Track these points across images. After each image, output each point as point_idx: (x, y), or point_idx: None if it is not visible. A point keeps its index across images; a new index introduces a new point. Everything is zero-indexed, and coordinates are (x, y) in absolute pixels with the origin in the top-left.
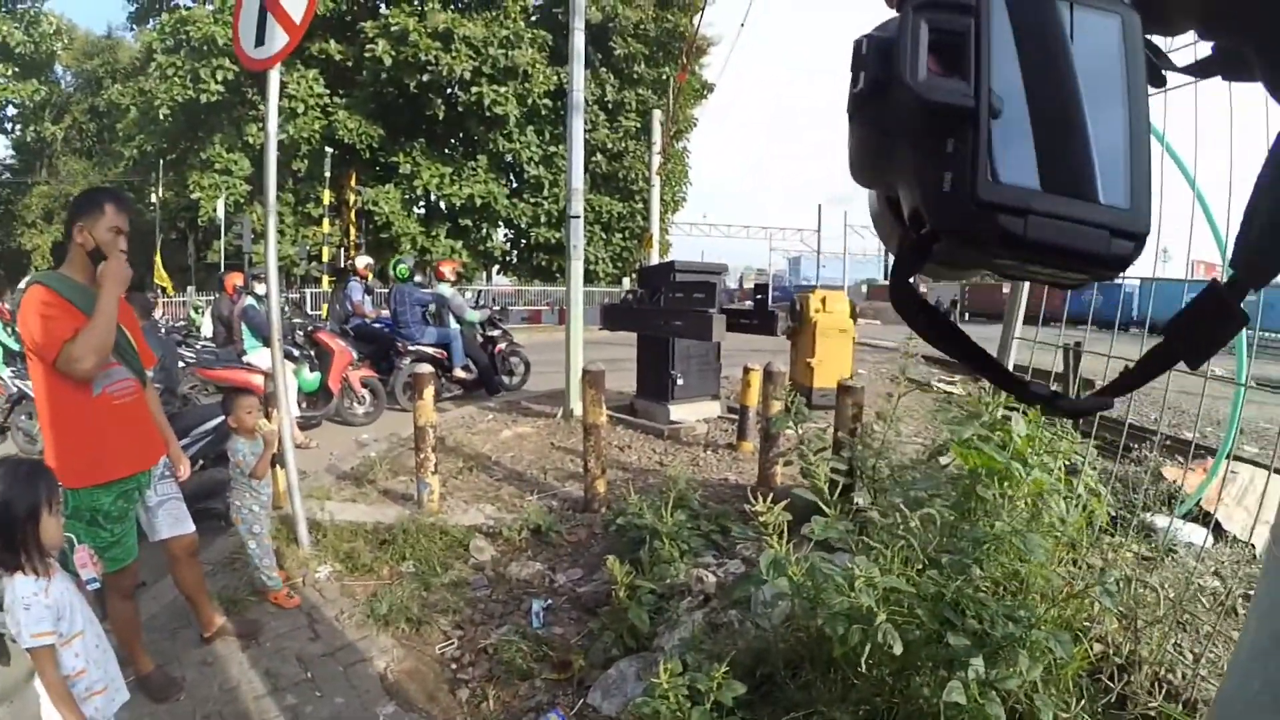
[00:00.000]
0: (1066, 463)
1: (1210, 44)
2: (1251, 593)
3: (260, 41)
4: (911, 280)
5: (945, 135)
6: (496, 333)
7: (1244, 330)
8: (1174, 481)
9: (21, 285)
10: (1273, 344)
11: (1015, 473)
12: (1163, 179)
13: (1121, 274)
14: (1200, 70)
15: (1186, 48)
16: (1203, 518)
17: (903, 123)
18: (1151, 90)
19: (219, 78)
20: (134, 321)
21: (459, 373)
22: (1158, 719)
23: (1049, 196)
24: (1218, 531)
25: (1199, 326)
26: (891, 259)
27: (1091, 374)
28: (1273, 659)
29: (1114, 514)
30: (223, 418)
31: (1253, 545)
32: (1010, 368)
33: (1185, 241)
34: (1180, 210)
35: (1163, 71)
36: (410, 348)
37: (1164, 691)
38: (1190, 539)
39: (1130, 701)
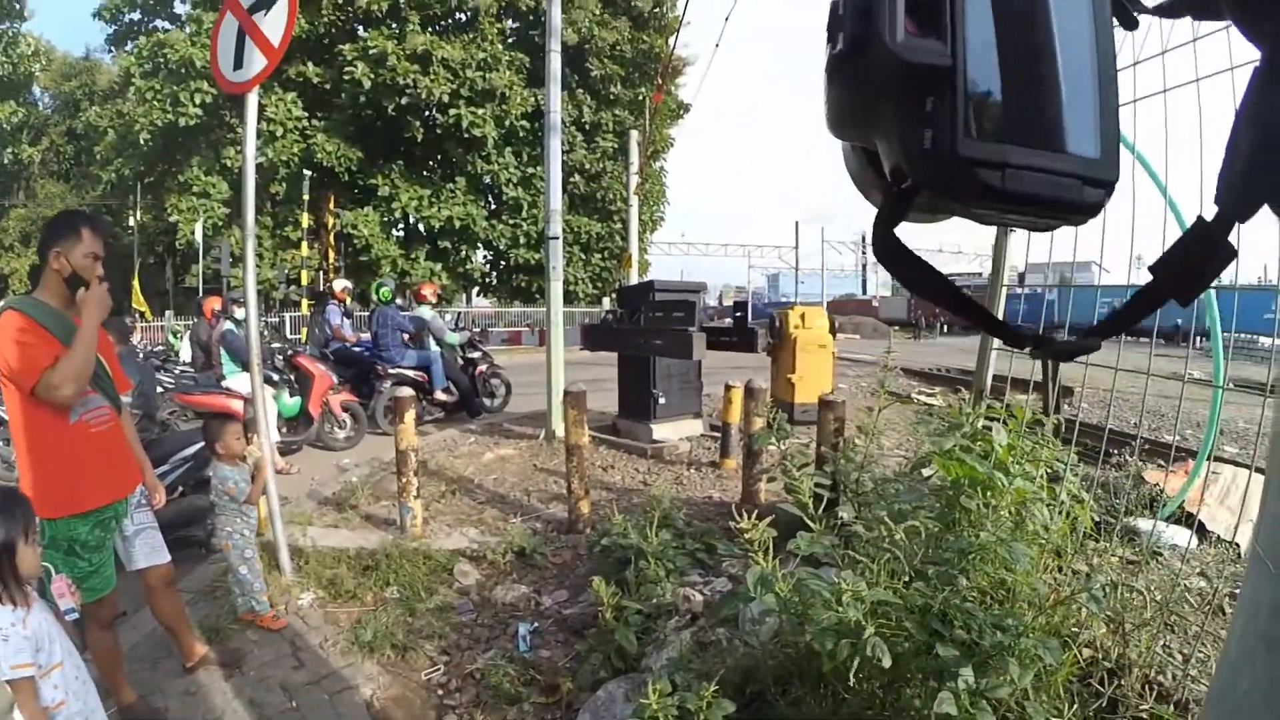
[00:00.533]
0: (1048, 470)
1: None
2: (1238, 591)
3: (239, 65)
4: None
5: (925, 94)
6: (477, 354)
7: (1221, 333)
8: (1156, 485)
9: None
10: (1249, 346)
11: (998, 482)
12: (1134, 187)
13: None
14: (1169, 10)
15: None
16: (1186, 519)
17: (882, 83)
18: (1127, 57)
19: (197, 101)
20: (109, 347)
21: (440, 395)
22: None
23: (1023, 150)
24: (1202, 532)
25: (1187, 262)
26: (870, 238)
27: (1071, 380)
28: (1259, 657)
29: (1097, 519)
30: (202, 444)
31: (1237, 544)
32: (989, 378)
33: (1159, 248)
34: (1153, 218)
35: (1134, 15)
36: (391, 371)
37: (1155, 693)
38: (1174, 541)
39: (1122, 705)
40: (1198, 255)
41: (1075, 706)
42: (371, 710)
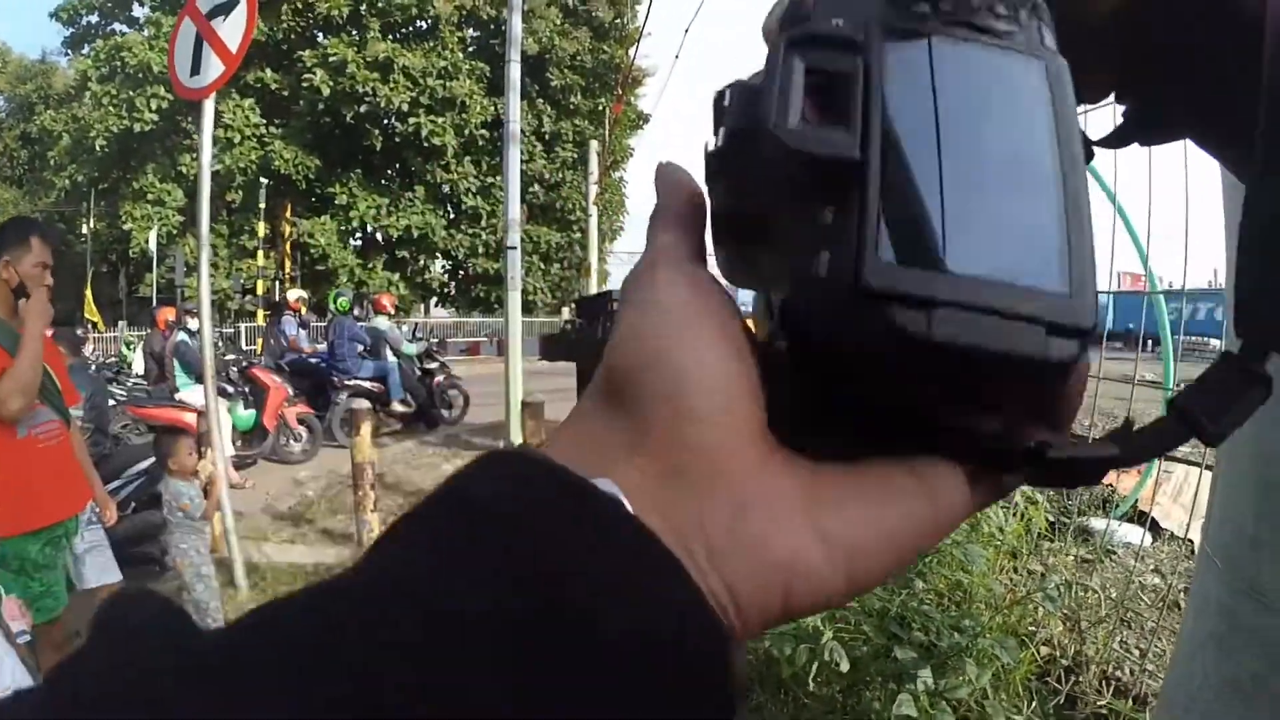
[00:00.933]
0: None
1: (1126, 107)
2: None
3: (196, 70)
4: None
5: (822, 201)
6: (434, 365)
7: (1171, 336)
8: (1109, 485)
9: None
10: (1201, 348)
11: None
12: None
13: None
14: (1117, 139)
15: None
16: (1139, 518)
17: (767, 185)
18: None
19: (154, 106)
20: (58, 359)
21: (397, 406)
22: (1109, 716)
23: (960, 281)
24: (1155, 530)
25: (1224, 396)
26: None
27: None
28: (1210, 653)
29: (1052, 520)
30: (149, 462)
31: (1190, 541)
32: None
33: (1107, 253)
34: (1100, 223)
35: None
36: (348, 382)
37: (1112, 689)
38: (1128, 539)
39: (1080, 701)
40: (1235, 389)
41: (1034, 704)
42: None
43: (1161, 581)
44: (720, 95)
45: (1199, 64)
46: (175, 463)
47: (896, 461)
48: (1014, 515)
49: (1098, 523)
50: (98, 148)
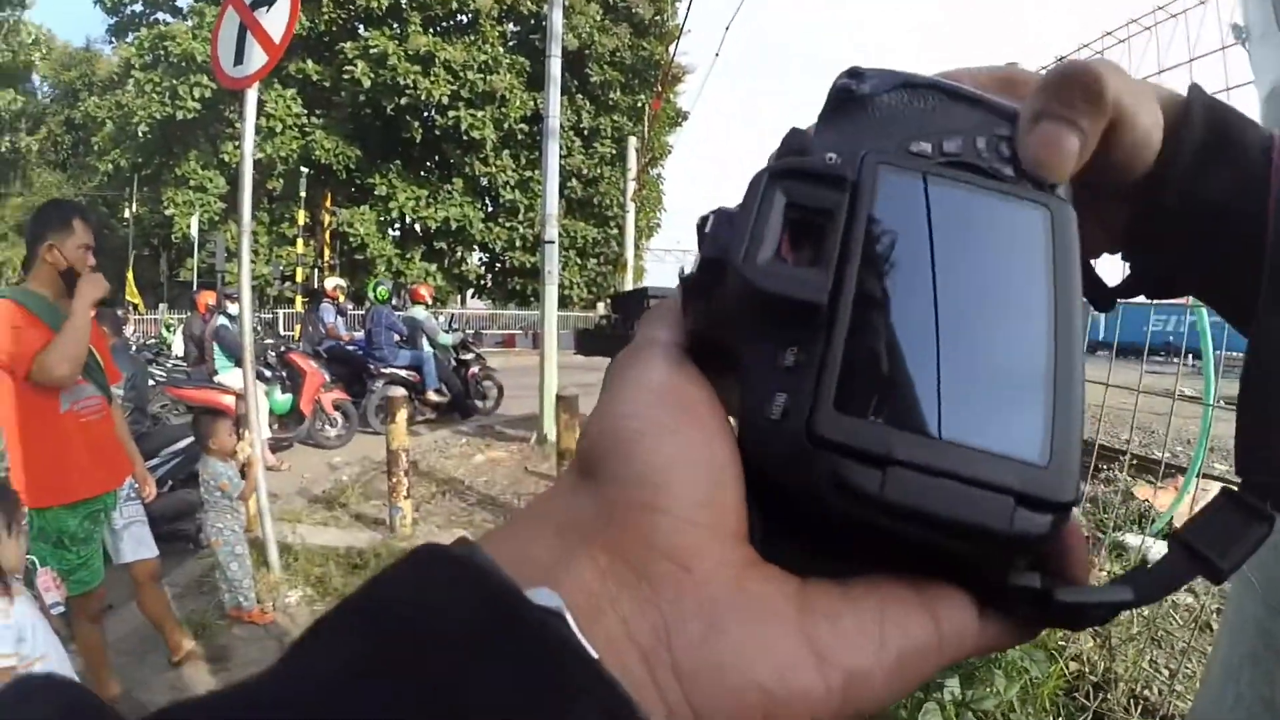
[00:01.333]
0: None
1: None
2: (1224, 608)
3: (239, 60)
4: None
5: (787, 341)
6: (470, 356)
7: (1212, 350)
8: (1145, 501)
9: None
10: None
11: None
12: None
13: None
14: (1125, 291)
15: None
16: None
17: (735, 319)
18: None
19: (196, 95)
20: (101, 338)
21: (432, 395)
22: None
23: (921, 440)
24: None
25: (1226, 531)
26: None
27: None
28: (1244, 675)
29: (1086, 534)
30: (192, 438)
31: None
32: None
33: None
34: None
35: (1108, 298)
36: (384, 370)
37: (1140, 708)
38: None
39: (1107, 718)
40: (1238, 527)
41: (1060, 719)
42: None
43: (1194, 601)
44: (702, 221)
45: (1211, 239)
46: (215, 443)
47: (896, 577)
48: None
49: (1133, 539)
50: (141, 134)
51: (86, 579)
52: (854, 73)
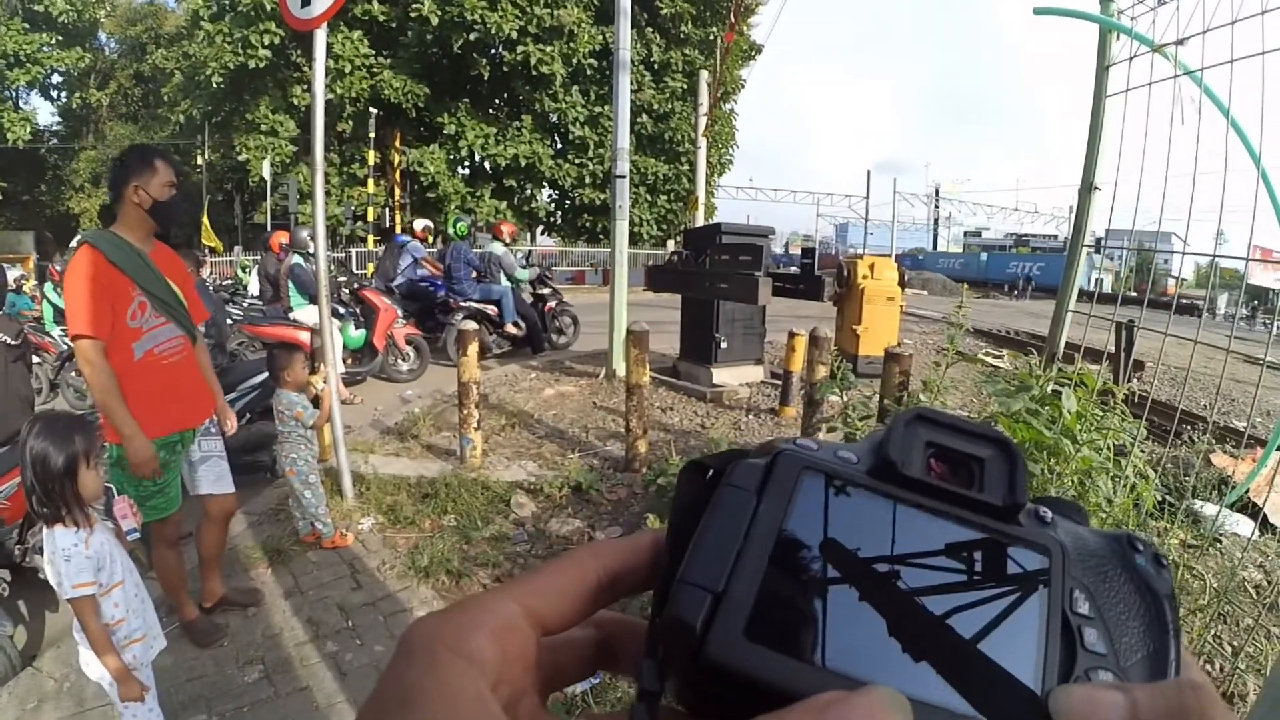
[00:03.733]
0: (1115, 443)
1: None
2: None
3: (306, 2)
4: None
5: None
6: (547, 291)
7: None
8: (1224, 470)
9: (73, 244)
10: None
11: (1064, 449)
12: (1226, 156)
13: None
14: None
15: None
16: (1250, 508)
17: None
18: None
19: (265, 41)
20: (187, 277)
21: (509, 329)
22: None
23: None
24: (1265, 524)
25: None
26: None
27: (1143, 355)
28: None
29: (1161, 499)
30: (268, 373)
31: None
32: (1062, 342)
33: (1248, 223)
34: (1244, 191)
35: None
36: (463, 303)
37: None
38: (1236, 529)
39: None
40: None
41: None
42: None
43: (1264, 578)
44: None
45: None
46: (290, 375)
47: None
48: (1124, 488)
49: (1209, 508)
50: (212, 83)
51: (163, 505)
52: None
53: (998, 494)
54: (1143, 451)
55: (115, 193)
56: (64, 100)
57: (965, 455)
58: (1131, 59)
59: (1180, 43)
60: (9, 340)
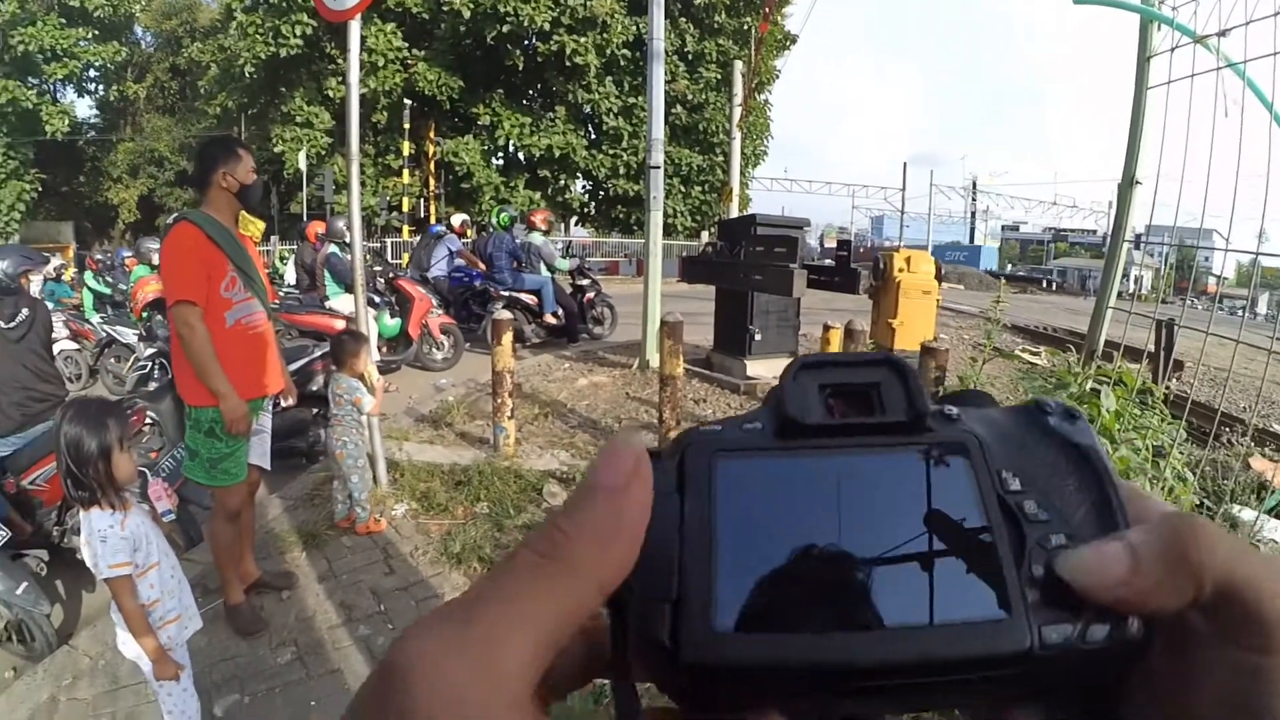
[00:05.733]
0: (1154, 443)
1: None
2: None
3: None
4: None
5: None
6: (586, 282)
7: None
8: (1262, 474)
9: (168, 221)
10: None
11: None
12: (1269, 154)
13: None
14: None
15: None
16: None
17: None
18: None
19: (298, 33)
20: (260, 259)
21: (549, 318)
22: None
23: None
24: None
25: None
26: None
27: (1182, 354)
28: None
29: (1199, 502)
30: (305, 360)
31: None
32: (1102, 339)
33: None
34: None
35: None
36: (503, 293)
37: None
38: (1275, 535)
39: None
40: None
41: None
42: None
43: None
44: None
45: None
46: (355, 361)
47: None
48: (1162, 490)
49: (1247, 513)
50: (247, 75)
51: (234, 471)
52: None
53: (900, 409)
54: (1181, 453)
55: (203, 180)
56: (101, 93)
57: (859, 386)
58: (1173, 50)
59: (1223, 34)
60: (2, 325)
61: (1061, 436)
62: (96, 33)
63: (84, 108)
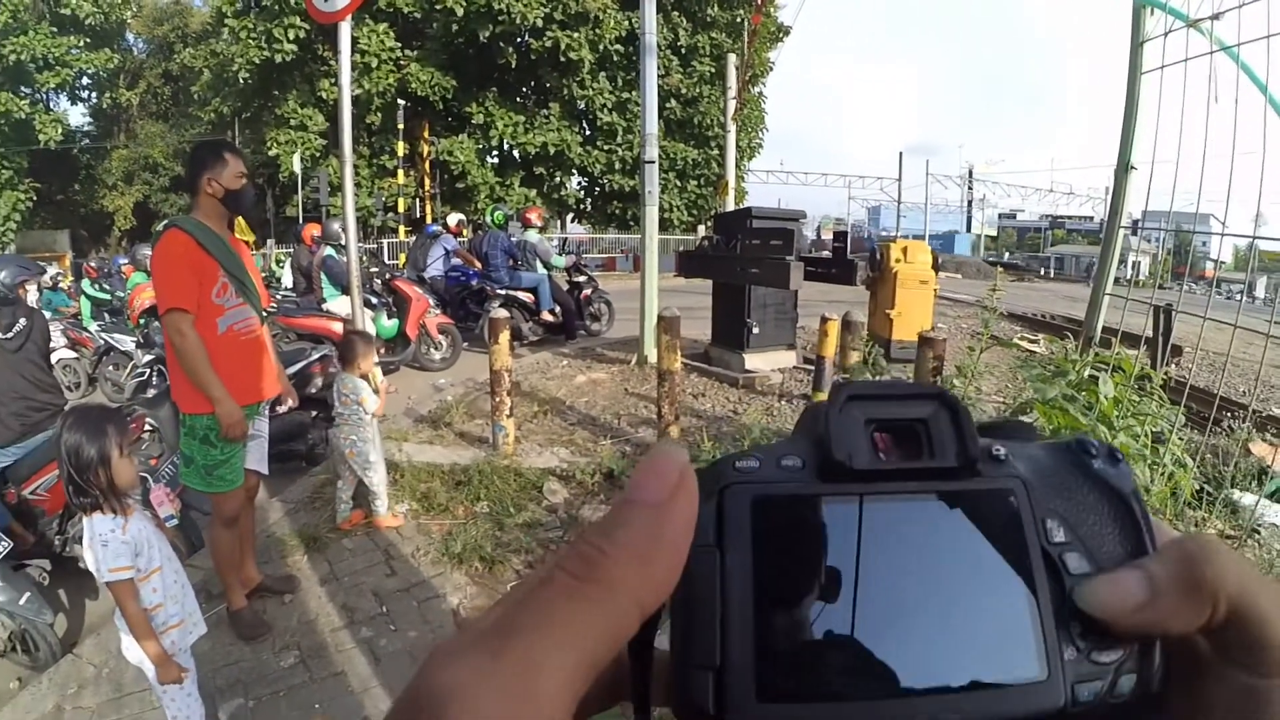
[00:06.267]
0: (1153, 429)
1: None
2: None
3: None
4: None
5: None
6: (582, 278)
7: None
8: (1262, 459)
9: (158, 228)
10: None
11: (1100, 435)
12: (1264, 138)
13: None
14: None
15: None
16: None
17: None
18: None
19: (291, 36)
20: (254, 264)
21: (546, 316)
22: None
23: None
24: None
25: None
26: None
27: (1181, 340)
28: None
29: (1199, 487)
30: (303, 363)
31: None
32: (1099, 326)
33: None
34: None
35: None
36: (500, 291)
37: None
38: (1276, 520)
39: None
40: None
41: None
42: (458, 618)
43: None
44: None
45: None
46: (362, 362)
47: None
48: (1161, 476)
49: (1248, 498)
50: (240, 79)
51: (229, 478)
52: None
53: (950, 452)
54: (1180, 439)
55: (191, 185)
56: (94, 101)
57: (908, 422)
58: (1166, 34)
59: (1216, 17)
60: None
61: (1104, 481)
62: (88, 40)
63: (77, 115)
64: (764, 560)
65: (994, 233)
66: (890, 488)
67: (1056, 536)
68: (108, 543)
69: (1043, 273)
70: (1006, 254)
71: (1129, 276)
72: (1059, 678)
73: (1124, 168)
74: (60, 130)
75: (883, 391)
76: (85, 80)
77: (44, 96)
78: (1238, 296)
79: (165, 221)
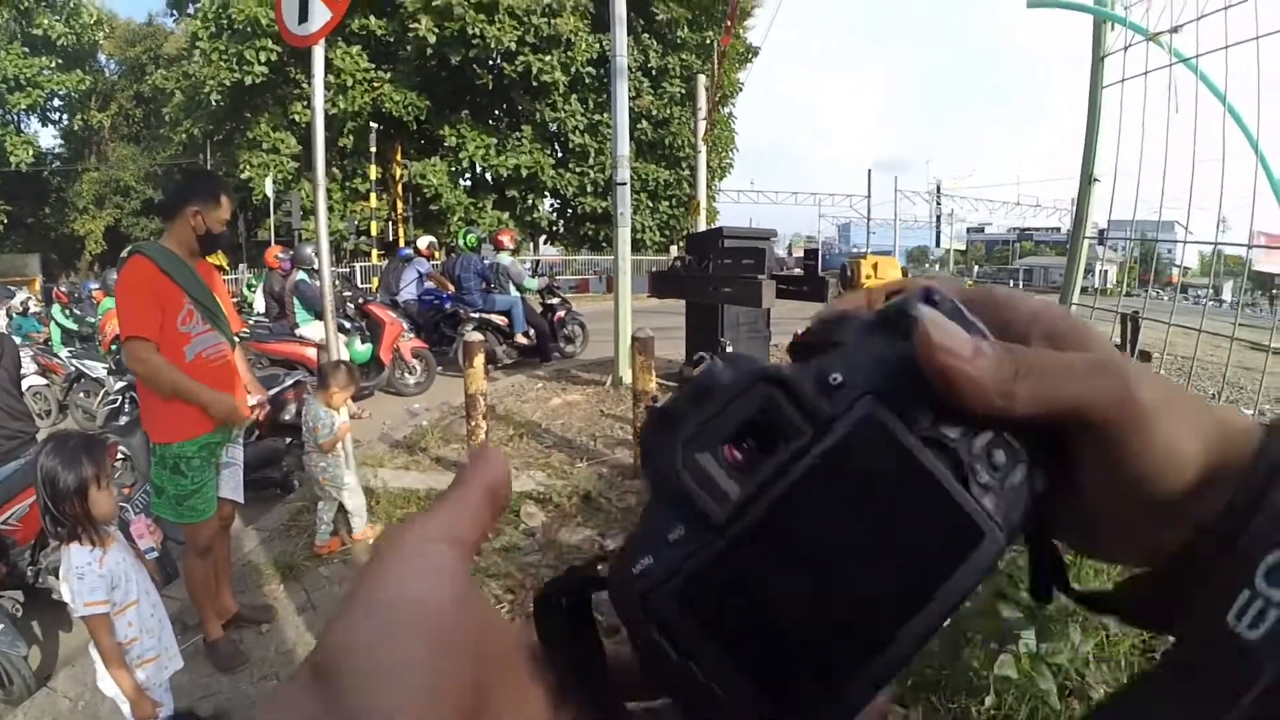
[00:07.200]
0: None
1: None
2: None
3: (303, 18)
4: None
5: (681, 519)
6: (555, 300)
7: None
8: None
9: (124, 254)
10: None
11: None
12: (1224, 143)
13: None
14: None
15: None
16: None
17: (653, 479)
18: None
19: (263, 58)
20: (224, 290)
21: (520, 339)
22: None
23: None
24: None
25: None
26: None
27: (1149, 345)
28: None
29: None
30: (277, 389)
31: None
32: None
33: (1248, 209)
34: (1243, 177)
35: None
36: (473, 314)
37: None
38: None
39: None
40: None
41: None
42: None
43: None
44: (698, 359)
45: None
46: (334, 391)
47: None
48: None
49: None
50: (212, 101)
51: (201, 508)
52: (928, 294)
53: (801, 428)
54: None
55: (173, 209)
56: (65, 123)
57: (745, 427)
58: (1126, 49)
59: (1175, 30)
60: None
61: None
62: (60, 61)
63: (48, 137)
64: (727, 634)
65: (963, 247)
66: (774, 492)
67: (923, 423)
68: (84, 575)
69: (1012, 284)
70: (976, 267)
71: (1096, 285)
72: (994, 527)
73: (1088, 179)
74: (31, 152)
75: (704, 415)
76: (57, 101)
77: (15, 118)
78: (1201, 301)
79: (129, 248)
